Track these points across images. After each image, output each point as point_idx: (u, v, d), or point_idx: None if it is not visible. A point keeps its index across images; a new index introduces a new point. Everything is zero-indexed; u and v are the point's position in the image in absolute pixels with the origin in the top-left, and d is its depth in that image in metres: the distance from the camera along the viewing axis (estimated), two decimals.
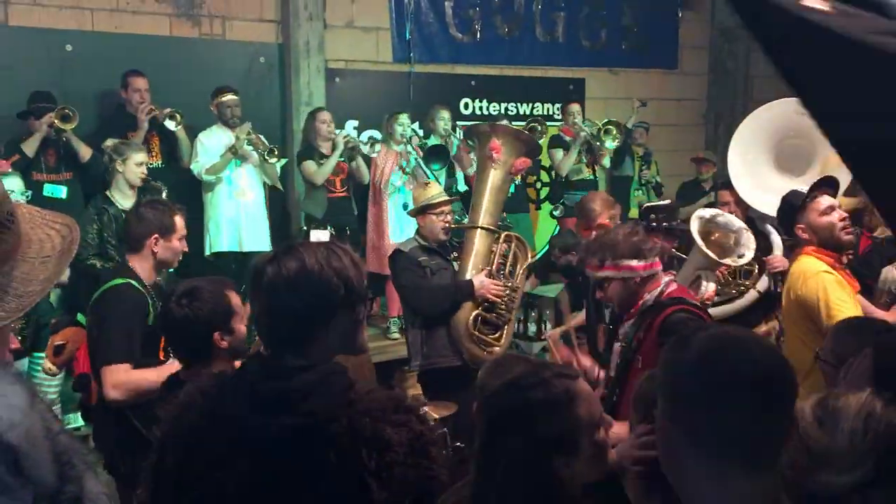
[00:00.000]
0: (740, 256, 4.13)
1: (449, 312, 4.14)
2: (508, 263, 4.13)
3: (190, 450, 1.57)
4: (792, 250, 3.70)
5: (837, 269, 3.40)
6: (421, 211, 4.25)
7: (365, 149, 6.08)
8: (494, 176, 4.11)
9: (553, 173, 7.39)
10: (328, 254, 1.65)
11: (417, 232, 4.31)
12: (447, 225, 4.16)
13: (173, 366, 3.04)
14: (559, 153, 7.02)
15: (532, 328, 5.02)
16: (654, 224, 4.03)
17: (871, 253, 4.62)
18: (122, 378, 2.95)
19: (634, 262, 2.90)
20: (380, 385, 4.11)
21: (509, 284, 4.12)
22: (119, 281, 3.14)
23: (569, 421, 1.63)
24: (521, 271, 4.16)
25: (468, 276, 4.12)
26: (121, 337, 3.00)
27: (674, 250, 4.13)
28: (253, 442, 1.52)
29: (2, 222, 1.31)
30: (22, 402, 1.23)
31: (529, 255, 4.19)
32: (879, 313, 3.22)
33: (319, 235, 5.91)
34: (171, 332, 2.73)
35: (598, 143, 6.90)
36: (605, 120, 7.05)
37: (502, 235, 4.12)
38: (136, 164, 4.92)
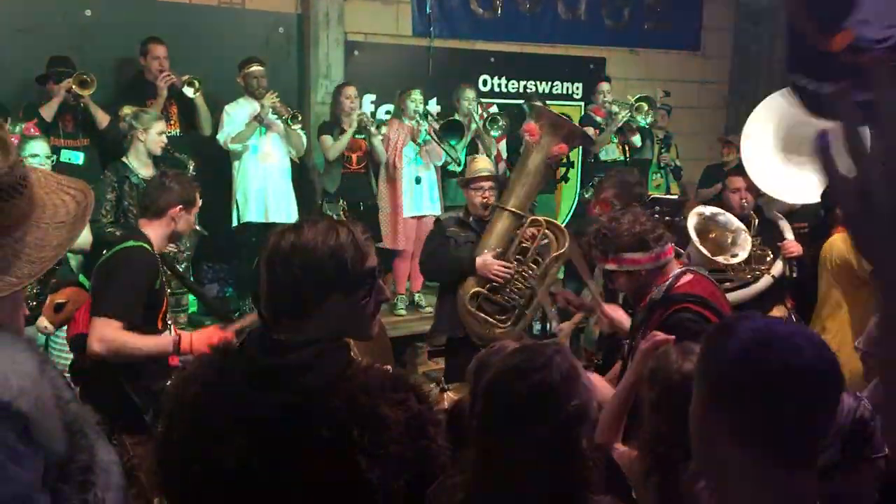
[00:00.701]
0: (733, 256, 4.14)
1: (454, 284, 4.15)
2: (532, 249, 4.04)
3: (193, 423, 1.58)
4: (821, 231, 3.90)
5: None
6: (465, 184, 4.30)
7: (373, 129, 6.04)
8: (531, 160, 4.05)
9: (581, 152, 7.32)
10: (327, 231, 1.62)
11: (465, 205, 4.37)
12: (485, 201, 4.13)
13: (165, 338, 3.08)
14: (590, 132, 6.93)
15: (537, 326, 4.83)
16: (657, 217, 3.99)
17: None
18: (110, 334, 2.92)
19: (638, 255, 2.79)
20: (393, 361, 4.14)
21: (521, 269, 4.05)
22: (132, 243, 3.14)
23: (582, 393, 1.63)
24: (548, 260, 4.03)
25: (481, 254, 4.08)
26: (123, 294, 2.98)
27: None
28: (249, 417, 1.52)
29: (14, 186, 1.30)
30: (32, 369, 1.23)
31: (565, 244, 4.01)
32: None
33: (330, 211, 5.91)
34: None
35: (626, 115, 6.81)
36: (638, 96, 6.96)
37: (528, 220, 4.03)
38: (157, 133, 4.90)
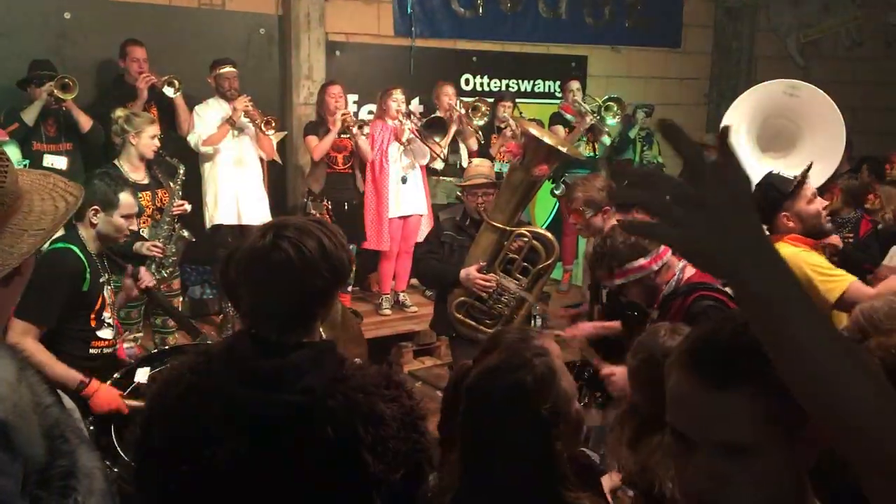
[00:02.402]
0: None
1: (443, 290, 4.29)
2: (520, 261, 4.08)
3: (177, 426, 1.57)
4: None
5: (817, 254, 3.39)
6: (463, 189, 4.42)
7: (355, 130, 6.04)
8: (514, 177, 4.10)
9: None
10: (327, 234, 1.66)
11: (464, 205, 4.48)
12: (477, 206, 4.21)
13: (73, 374, 3.05)
14: (560, 130, 6.98)
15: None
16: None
17: (870, 237, 4.62)
18: (24, 343, 2.92)
19: (641, 261, 2.90)
20: (375, 361, 4.17)
21: (505, 281, 4.09)
22: (60, 245, 3.17)
23: (558, 395, 1.65)
24: (536, 270, 4.08)
25: (467, 266, 4.14)
26: (37, 298, 2.96)
27: None
28: (249, 419, 1.53)
29: None
30: (10, 375, 1.23)
31: (553, 255, 4.09)
32: (869, 291, 3.17)
33: (315, 210, 5.91)
34: None
35: (598, 119, 6.87)
36: (606, 97, 7.01)
37: (514, 233, 4.06)
38: (149, 137, 4.87)
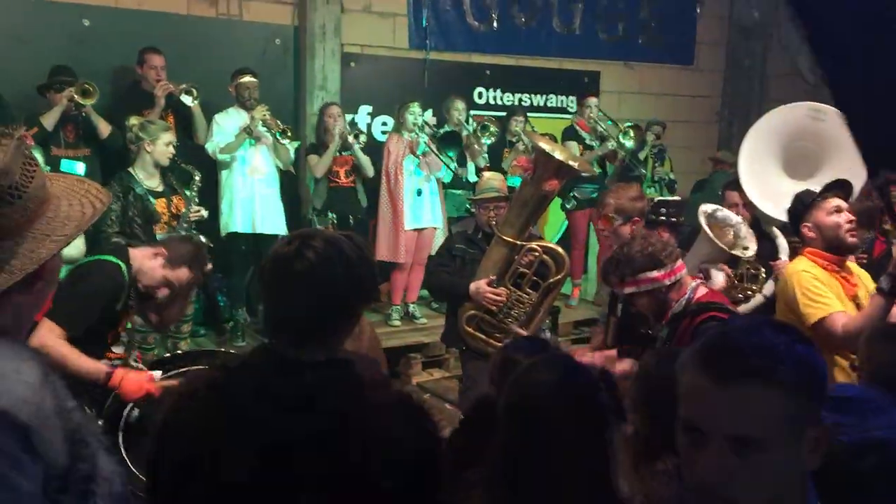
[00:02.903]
0: (745, 249, 4.14)
1: (454, 303, 4.30)
2: (530, 276, 4.08)
3: (191, 441, 1.55)
4: (796, 253, 3.68)
5: (832, 272, 3.39)
6: (474, 202, 4.46)
7: (350, 139, 6.10)
8: (524, 191, 4.12)
9: None
10: (350, 246, 1.64)
11: (475, 218, 4.51)
12: (489, 219, 4.23)
13: (100, 367, 3.01)
14: (574, 146, 6.99)
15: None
16: (663, 218, 4.04)
17: (885, 257, 4.59)
18: (50, 339, 2.86)
19: (655, 273, 2.89)
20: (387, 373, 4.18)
21: (515, 295, 4.10)
22: (111, 258, 3.15)
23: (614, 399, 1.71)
24: (547, 284, 4.09)
25: (478, 280, 4.14)
26: (75, 304, 2.94)
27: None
28: (264, 437, 1.50)
29: (1, 196, 1.28)
30: (34, 379, 1.24)
31: (563, 270, 4.10)
32: (853, 324, 3.13)
33: (320, 224, 5.96)
34: None
35: (615, 144, 6.88)
36: (627, 123, 7.03)
37: (524, 247, 4.07)
38: (164, 145, 4.91)
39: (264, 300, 1.68)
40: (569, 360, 1.84)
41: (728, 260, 4.20)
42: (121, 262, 3.14)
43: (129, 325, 3.42)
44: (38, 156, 4.76)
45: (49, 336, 2.90)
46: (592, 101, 7.19)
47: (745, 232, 4.18)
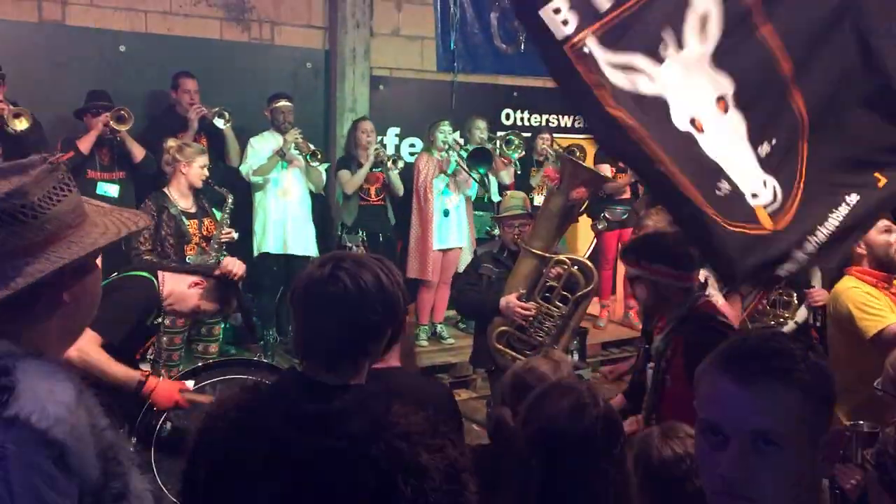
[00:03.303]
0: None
1: (483, 322, 4.29)
2: (559, 289, 4.08)
3: (222, 462, 1.57)
4: (840, 273, 3.68)
5: (882, 289, 3.48)
6: (499, 221, 4.50)
7: (389, 164, 6.18)
8: (552, 202, 4.13)
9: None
10: (381, 270, 1.66)
11: (500, 237, 4.57)
12: (514, 237, 4.26)
13: (134, 374, 3.04)
14: (606, 168, 6.96)
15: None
16: None
17: None
18: (88, 346, 2.89)
19: (664, 268, 2.85)
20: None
21: (547, 308, 4.10)
22: (147, 275, 3.21)
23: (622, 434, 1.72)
24: (576, 297, 4.08)
25: (507, 295, 4.14)
26: (116, 313, 2.96)
27: None
28: (291, 460, 1.52)
29: (14, 214, 1.29)
30: (69, 398, 1.26)
31: (592, 282, 4.08)
32: None
33: (350, 242, 6.01)
34: None
35: None
36: None
37: (553, 259, 4.08)
38: (199, 167, 5.00)
39: (295, 322, 1.70)
40: (578, 384, 1.86)
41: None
42: (154, 279, 3.20)
43: (155, 344, 3.48)
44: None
45: (87, 343, 2.94)
46: None
47: None
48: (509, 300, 4.07)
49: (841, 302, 3.47)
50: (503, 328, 4.15)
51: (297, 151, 5.99)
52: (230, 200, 5.27)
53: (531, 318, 4.08)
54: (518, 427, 1.83)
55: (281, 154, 5.94)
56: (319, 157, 6.04)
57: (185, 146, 5.08)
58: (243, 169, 5.95)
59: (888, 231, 3.51)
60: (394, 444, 1.51)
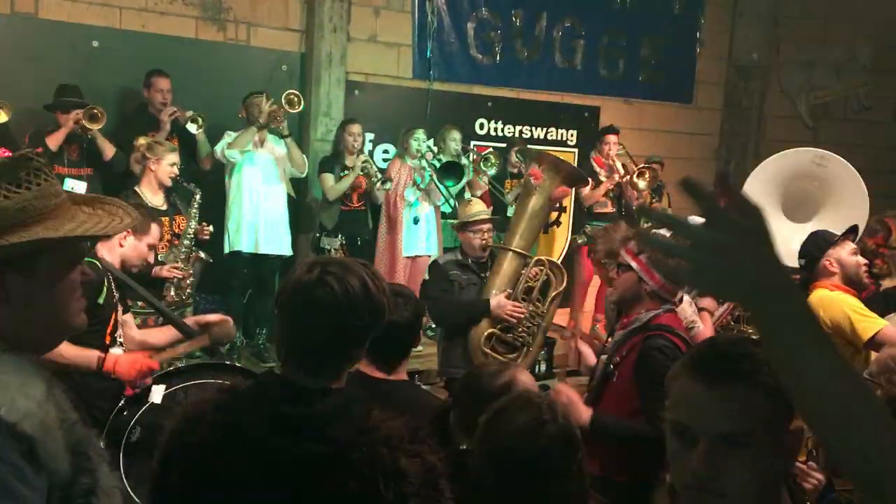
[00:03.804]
0: None
1: (465, 327, 4.24)
2: (537, 289, 4.14)
3: (200, 464, 1.54)
4: (805, 286, 3.79)
5: None
6: (461, 227, 4.40)
7: (377, 183, 6.18)
8: (533, 202, 4.16)
9: (573, 198, 7.43)
10: (370, 277, 1.67)
11: (459, 246, 4.47)
12: (483, 242, 4.25)
13: (91, 353, 3.02)
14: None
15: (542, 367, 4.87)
16: None
17: (872, 300, 4.65)
18: None
19: (634, 262, 2.96)
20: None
21: (531, 308, 4.14)
22: (90, 259, 3.19)
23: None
24: (549, 297, 4.16)
25: (490, 296, 4.16)
26: None
27: None
28: (274, 464, 1.51)
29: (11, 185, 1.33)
30: (39, 392, 1.27)
31: (563, 283, 4.17)
32: None
33: (328, 245, 5.98)
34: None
35: (629, 183, 6.96)
36: (643, 164, 7.11)
37: (533, 259, 4.13)
38: (169, 165, 5.00)
39: (281, 326, 1.69)
40: (537, 397, 1.87)
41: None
42: (90, 258, 3.17)
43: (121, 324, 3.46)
44: None
45: None
46: (612, 138, 7.22)
47: None
48: (500, 300, 4.08)
49: (834, 309, 3.62)
50: (491, 330, 4.14)
51: (272, 120, 5.83)
52: (198, 196, 5.24)
53: (521, 317, 4.10)
54: (475, 444, 1.83)
55: (258, 125, 5.78)
56: (286, 133, 5.92)
57: (156, 143, 5.08)
58: (217, 148, 5.83)
59: (857, 252, 3.80)
60: (375, 448, 1.52)
